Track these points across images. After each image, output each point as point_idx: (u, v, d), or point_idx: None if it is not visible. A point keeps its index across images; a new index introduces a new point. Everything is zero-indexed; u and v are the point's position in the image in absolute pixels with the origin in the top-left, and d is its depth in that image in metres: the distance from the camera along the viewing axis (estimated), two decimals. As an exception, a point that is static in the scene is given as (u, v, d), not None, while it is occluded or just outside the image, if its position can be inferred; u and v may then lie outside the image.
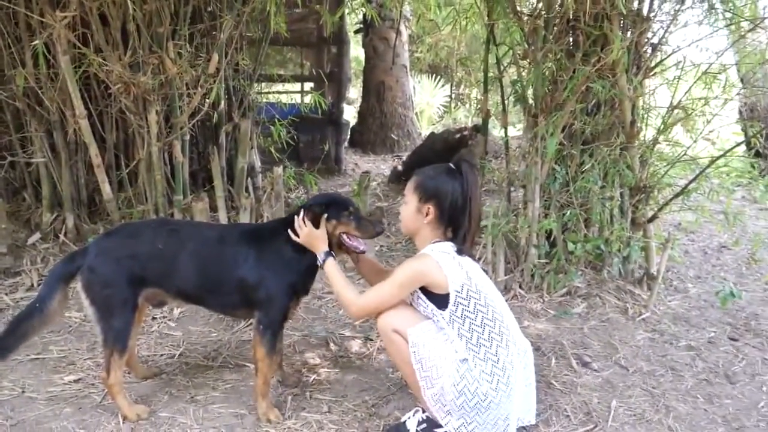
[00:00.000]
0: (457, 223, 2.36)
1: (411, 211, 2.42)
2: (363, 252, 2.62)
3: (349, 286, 2.43)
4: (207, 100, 4.35)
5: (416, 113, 10.98)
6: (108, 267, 2.45)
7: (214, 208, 4.50)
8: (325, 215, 2.53)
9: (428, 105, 13.49)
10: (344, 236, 2.58)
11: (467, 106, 14.24)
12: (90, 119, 4.16)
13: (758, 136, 4.09)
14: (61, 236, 4.32)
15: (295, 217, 2.54)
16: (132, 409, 2.51)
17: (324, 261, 2.47)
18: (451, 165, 2.41)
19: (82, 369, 2.94)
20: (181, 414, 2.58)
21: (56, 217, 4.41)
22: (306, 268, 2.58)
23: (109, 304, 2.44)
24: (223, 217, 4.47)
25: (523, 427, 2.51)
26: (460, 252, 2.34)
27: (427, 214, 2.37)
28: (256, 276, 2.53)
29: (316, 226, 2.51)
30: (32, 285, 3.85)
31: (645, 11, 3.78)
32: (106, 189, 4.19)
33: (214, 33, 4.44)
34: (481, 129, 4.77)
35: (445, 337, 2.29)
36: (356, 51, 12.20)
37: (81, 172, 4.47)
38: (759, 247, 4.33)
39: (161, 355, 3.14)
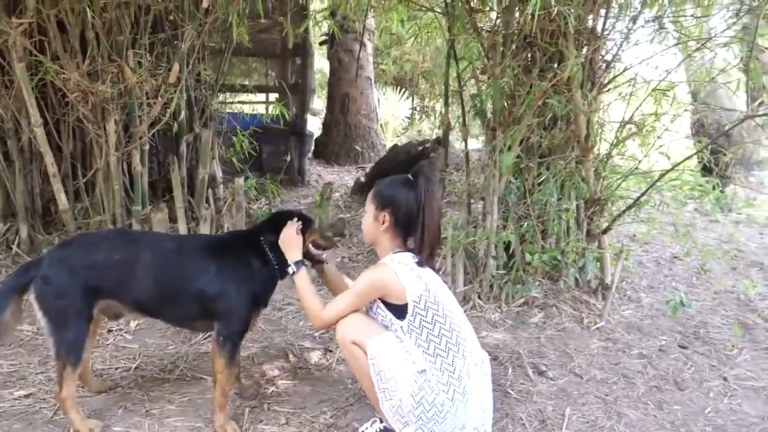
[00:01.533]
0: (413, 233, 2.40)
1: (370, 219, 2.47)
2: (326, 261, 2.67)
3: (316, 297, 2.45)
4: (167, 110, 4.31)
5: (381, 125, 11.06)
6: (62, 277, 2.40)
7: (173, 219, 4.45)
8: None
9: (393, 117, 13.61)
10: (311, 246, 2.62)
11: (431, 118, 14.40)
12: (46, 127, 4.09)
13: (705, 151, 4.25)
14: (14, 247, 4.22)
15: (289, 222, 2.57)
16: (85, 424, 2.46)
17: (298, 269, 2.49)
18: (409, 176, 2.46)
19: (33, 384, 2.87)
20: (136, 428, 2.54)
21: (9, 227, 4.31)
22: (267, 279, 2.59)
23: (62, 316, 2.38)
24: (182, 228, 4.43)
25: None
26: (420, 264, 2.37)
27: (383, 222, 2.41)
28: (216, 287, 2.52)
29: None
30: (-18, 297, 3.73)
31: (599, 29, 3.92)
32: (62, 198, 4.11)
33: (175, 42, 4.41)
34: (443, 141, 4.84)
35: (404, 348, 2.31)
36: (321, 62, 12.23)
37: (36, 181, 4.38)
38: (708, 258, 4.48)
39: (116, 368, 3.08)
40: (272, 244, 2.58)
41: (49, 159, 4.02)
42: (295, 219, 2.59)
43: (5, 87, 4.02)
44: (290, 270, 2.50)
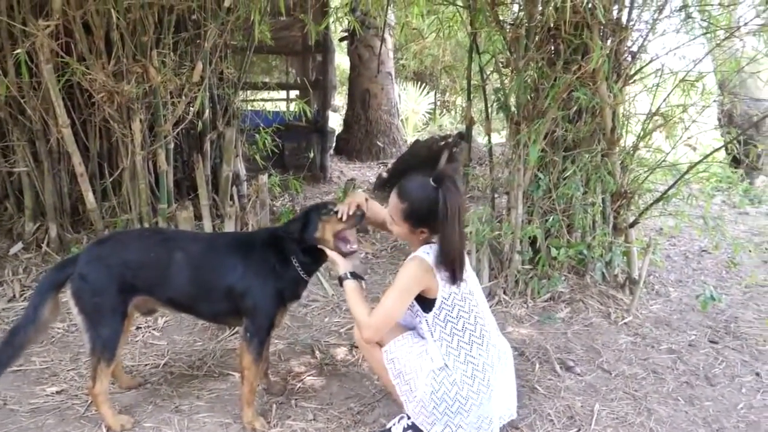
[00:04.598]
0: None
1: (405, 231, 2.40)
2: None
3: (363, 306, 2.36)
4: (191, 109, 4.34)
5: (401, 120, 11.02)
6: (98, 274, 2.44)
7: (198, 217, 4.49)
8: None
9: (413, 112, 13.54)
10: (338, 242, 2.52)
11: (452, 113, 14.32)
12: (73, 128, 4.14)
13: (735, 142, 4.15)
14: (44, 246, 4.29)
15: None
16: (116, 420, 2.50)
17: (344, 281, 2.43)
18: (432, 182, 2.33)
19: (65, 380, 2.92)
20: (166, 424, 2.57)
21: (39, 227, 4.39)
22: (292, 277, 2.59)
23: (98, 313, 2.42)
24: (208, 226, 4.46)
25: (507, 425, 2.54)
26: None
27: (422, 233, 2.38)
28: (243, 284, 2.53)
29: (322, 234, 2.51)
30: (14, 296, 3.81)
31: (624, 20, 3.85)
32: (90, 198, 4.16)
33: (198, 41, 4.44)
34: (465, 136, 4.81)
35: (421, 348, 2.32)
36: (341, 59, 12.22)
37: (64, 181, 4.44)
38: (738, 252, 4.39)
39: (146, 364, 3.12)
40: (298, 244, 2.56)
41: (76, 159, 4.08)
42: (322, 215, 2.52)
43: (33, 89, 4.07)
44: (341, 274, 2.45)
